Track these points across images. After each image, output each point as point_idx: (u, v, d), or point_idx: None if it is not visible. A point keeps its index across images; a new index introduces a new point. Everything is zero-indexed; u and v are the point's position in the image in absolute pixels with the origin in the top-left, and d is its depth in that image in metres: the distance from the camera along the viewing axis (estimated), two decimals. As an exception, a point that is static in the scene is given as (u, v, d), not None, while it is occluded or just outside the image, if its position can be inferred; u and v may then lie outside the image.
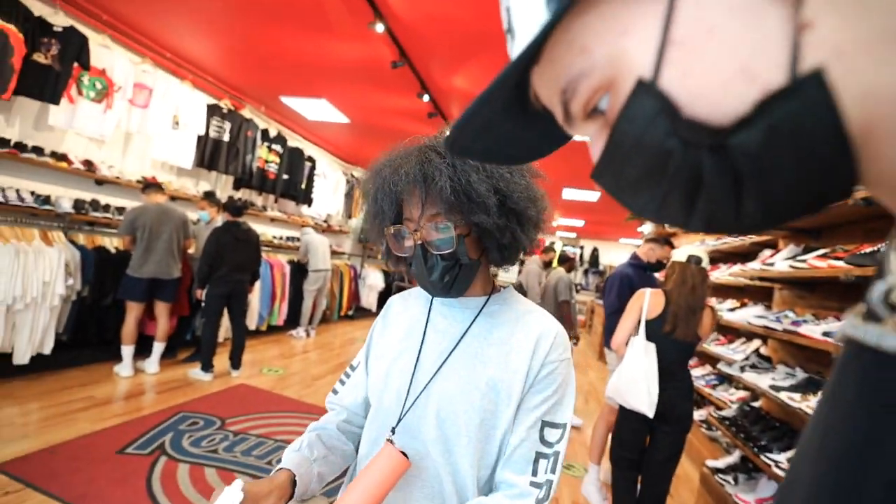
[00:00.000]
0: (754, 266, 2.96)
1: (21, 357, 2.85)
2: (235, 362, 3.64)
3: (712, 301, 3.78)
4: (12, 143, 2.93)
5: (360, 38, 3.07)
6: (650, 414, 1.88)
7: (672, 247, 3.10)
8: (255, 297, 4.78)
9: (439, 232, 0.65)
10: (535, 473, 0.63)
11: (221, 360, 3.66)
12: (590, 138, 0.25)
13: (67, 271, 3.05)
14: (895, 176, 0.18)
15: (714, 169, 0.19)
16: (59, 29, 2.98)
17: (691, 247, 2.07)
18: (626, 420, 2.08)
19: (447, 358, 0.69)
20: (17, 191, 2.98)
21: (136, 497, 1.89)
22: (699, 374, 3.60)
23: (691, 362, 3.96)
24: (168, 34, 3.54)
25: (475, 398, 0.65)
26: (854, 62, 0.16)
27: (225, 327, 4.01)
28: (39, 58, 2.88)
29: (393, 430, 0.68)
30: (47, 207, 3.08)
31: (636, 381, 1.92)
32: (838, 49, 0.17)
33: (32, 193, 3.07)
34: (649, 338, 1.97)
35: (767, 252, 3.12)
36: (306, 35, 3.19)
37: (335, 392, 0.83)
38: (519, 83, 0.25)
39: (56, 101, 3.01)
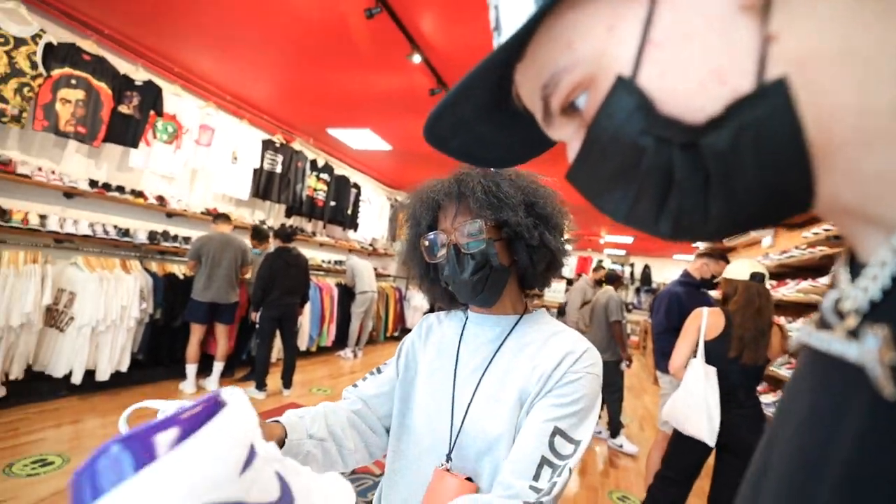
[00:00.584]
0: (826, 282, 2.69)
1: (103, 374, 3.17)
2: (286, 382, 3.79)
3: (778, 321, 3.46)
4: (101, 183, 3.34)
5: (400, 70, 3.24)
6: (711, 443, 1.74)
7: (727, 262, 2.89)
8: (305, 320, 5.00)
9: (470, 235, 0.68)
10: (536, 478, 0.58)
11: (274, 379, 3.84)
12: (567, 139, 0.26)
13: (142, 296, 3.38)
14: (846, 192, 0.19)
15: (685, 167, 0.20)
16: (140, 83, 3.40)
17: (749, 261, 1.91)
18: (678, 443, 1.94)
19: (482, 377, 0.70)
20: (103, 225, 3.38)
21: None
22: (768, 401, 3.26)
23: (760, 387, 3.61)
24: (229, 79, 3.92)
25: (504, 414, 0.66)
26: (814, 75, 0.17)
27: (277, 348, 4.22)
28: (123, 109, 3.30)
29: (449, 458, 0.68)
30: (126, 239, 3.45)
31: (696, 407, 1.79)
32: (800, 62, 0.17)
33: (115, 227, 3.45)
34: (709, 360, 1.84)
35: (843, 265, 2.83)
36: (349, 70, 3.41)
37: (355, 386, 0.81)
38: (501, 83, 0.26)
39: (136, 146, 3.41)
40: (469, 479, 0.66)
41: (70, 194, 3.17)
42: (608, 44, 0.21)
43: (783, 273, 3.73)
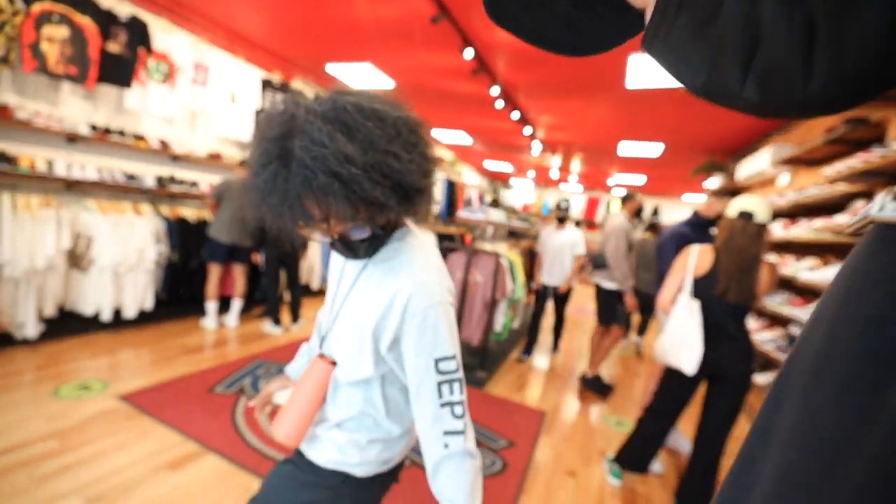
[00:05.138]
0: (843, 220, 2.63)
1: (129, 312, 3.40)
2: (294, 316, 4.04)
3: (786, 260, 3.44)
4: (101, 127, 3.31)
5: (397, -5, 3.00)
6: (690, 372, 1.83)
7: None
8: (316, 259, 5.15)
9: (352, 231, 0.71)
10: (440, 396, 0.73)
11: (288, 314, 4.07)
12: (647, 2, 0.23)
13: (156, 239, 3.49)
14: None
15: (778, 6, 0.16)
16: (125, 18, 3.23)
17: (745, 199, 1.87)
18: (667, 377, 2.04)
19: (347, 295, 0.83)
20: (111, 171, 3.40)
21: (224, 427, 2.24)
22: (768, 337, 3.35)
23: (760, 324, 3.69)
24: (220, 12, 3.70)
25: (353, 331, 0.79)
26: None
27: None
28: (112, 47, 3.17)
29: (320, 346, 0.89)
30: (134, 184, 3.49)
31: (679, 339, 1.87)
32: None
33: (122, 172, 3.48)
34: (697, 296, 1.88)
35: (860, 203, 2.74)
36: (344, -2, 3.17)
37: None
38: None
39: (129, 85, 3.32)
40: (334, 362, 0.83)
41: (72, 139, 3.17)
42: None
43: (796, 212, 3.64)
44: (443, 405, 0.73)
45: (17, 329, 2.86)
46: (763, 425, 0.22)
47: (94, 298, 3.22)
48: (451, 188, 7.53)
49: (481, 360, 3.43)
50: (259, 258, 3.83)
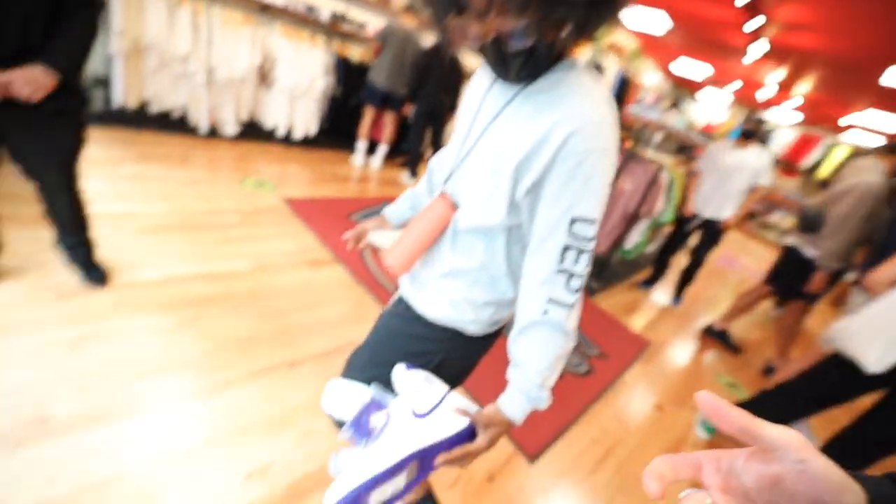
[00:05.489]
0: None
1: (297, 133, 3.89)
2: None
3: None
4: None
5: None
6: (872, 370, 1.43)
7: None
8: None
9: (513, 36, 0.56)
10: (562, 260, 0.64)
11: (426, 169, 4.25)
12: None
13: (326, 71, 3.73)
14: None
15: None
16: None
17: None
18: (831, 365, 1.62)
19: (485, 129, 0.71)
20: (296, -3, 3.56)
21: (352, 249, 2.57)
22: None
23: None
24: None
25: (488, 170, 0.69)
26: None
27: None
28: None
29: (445, 182, 0.79)
30: (312, 16, 3.63)
31: (879, 329, 1.42)
32: None
33: (303, 3, 3.62)
34: None
35: None
36: None
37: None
38: None
39: None
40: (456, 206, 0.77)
41: (270, -45, 3.31)
42: None
43: None
44: (560, 271, 0.63)
45: (221, 126, 3.51)
46: None
47: (274, 115, 3.72)
48: (623, 86, 6.42)
49: (599, 270, 3.21)
50: (410, 110, 3.90)
